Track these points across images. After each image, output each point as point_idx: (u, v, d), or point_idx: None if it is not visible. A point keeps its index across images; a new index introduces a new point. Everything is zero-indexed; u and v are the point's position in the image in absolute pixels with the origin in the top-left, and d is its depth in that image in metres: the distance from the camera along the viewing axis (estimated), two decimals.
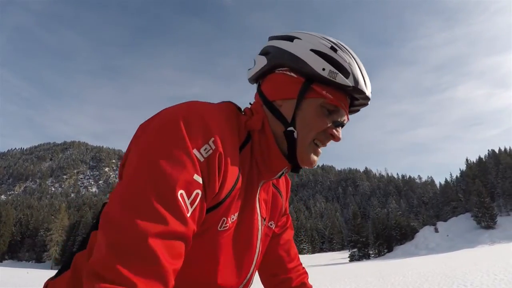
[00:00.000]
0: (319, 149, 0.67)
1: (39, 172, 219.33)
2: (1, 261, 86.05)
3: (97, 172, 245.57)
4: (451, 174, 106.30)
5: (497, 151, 78.39)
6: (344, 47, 0.67)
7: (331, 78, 0.63)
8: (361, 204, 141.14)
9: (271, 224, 0.77)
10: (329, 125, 0.65)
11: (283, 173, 0.69)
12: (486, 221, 58.86)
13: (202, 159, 0.51)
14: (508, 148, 77.89)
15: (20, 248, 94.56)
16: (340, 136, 0.67)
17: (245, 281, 0.68)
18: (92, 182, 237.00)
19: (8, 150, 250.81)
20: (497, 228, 57.98)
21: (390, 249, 61.85)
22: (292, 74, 0.66)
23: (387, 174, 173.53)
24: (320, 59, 0.64)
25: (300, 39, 0.67)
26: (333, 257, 69.59)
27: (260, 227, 0.69)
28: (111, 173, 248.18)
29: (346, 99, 0.67)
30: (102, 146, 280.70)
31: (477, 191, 61.88)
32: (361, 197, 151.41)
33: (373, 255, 62.81)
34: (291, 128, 0.64)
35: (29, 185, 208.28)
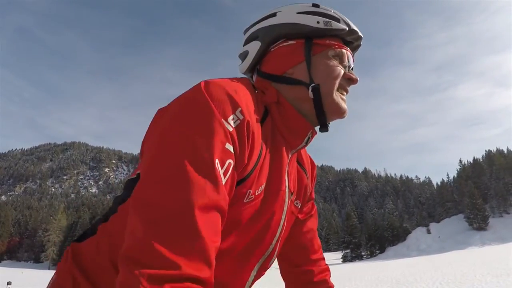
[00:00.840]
0: (344, 96, 0.68)
1: (39, 172, 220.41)
2: (0, 262, 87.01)
3: (97, 173, 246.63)
4: (448, 175, 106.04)
5: (495, 151, 78.45)
6: (319, 4, 0.70)
7: (328, 27, 0.66)
8: (358, 204, 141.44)
9: (297, 203, 0.75)
10: (343, 70, 0.68)
11: (309, 138, 0.69)
12: (478, 222, 59.11)
13: (231, 129, 0.50)
14: (506, 149, 77.88)
15: (19, 249, 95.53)
16: (357, 78, 0.69)
17: (267, 252, 0.66)
18: (92, 183, 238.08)
19: (8, 151, 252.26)
20: (488, 230, 58.21)
21: (382, 250, 62.22)
22: (290, 42, 0.68)
23: (386, 174, 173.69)
24: (311, 15, 0.67)
25: (280, 11, 0.70)
26: (328, 257, 69.48)
27: (286, 200, 0.67)
28: (111, 174, 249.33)
29: (343, 43, 0.70)
30: (102, 147, 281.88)
31: (469, 192, 62.11)
32: (359, 198, 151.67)
33: (365, 256, 63.17)
34: (314, 85, 0.64)
35: (29, 185, 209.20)
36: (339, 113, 0.67)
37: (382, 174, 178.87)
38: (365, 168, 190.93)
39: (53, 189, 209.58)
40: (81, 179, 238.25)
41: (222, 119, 0.49)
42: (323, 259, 0.85)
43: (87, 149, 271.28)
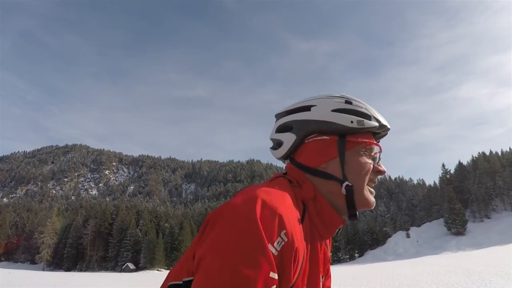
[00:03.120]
0: (373, 188, 0.72)
1: (41, 175, 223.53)
2: None
3: (98, 175, 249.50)
4: (440, 177, 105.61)
5: (494, 153, 78.18)
6: (352, 97, 0.74)
7: (361, 126, 0.70)
8: None
9: (322, 277, 0.78)
10: (373, 164, 0.71)
11: (340, 229, 0.73)
12: (456, 227, 59.62)
13: (276, 253, 0.54)
14: (509, 149, 77.17)
15: (16, 250, 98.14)
16: (385, 169, 0.73)
17: None
18: (93, 185, 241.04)
19: (11, 153, 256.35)
20: (466, 235, 58.80)
21: (361, 254, 63.09)
22: (324, 136, 0.71)
23: (384, 176, 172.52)
24: (344, 114, 0.70)
25: (315, 105, 0.73)
26: None
27: (321, 286, 0.72)
28: (111, 176, 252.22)
29: (372, 137, 0.74)
30: (103, 149, 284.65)
31: (448, 197, 62.63)
32: None
33: (343, 260, 64.06)
34: (347, 183, 0.68)
35: (30, 188, 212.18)
36: (368, 206, 0.71)
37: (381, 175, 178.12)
38: None
39: (54, 191, 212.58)
40: (82, 181, 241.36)
41: (269, 244, 0.53)
42: None
43: (88, 151, 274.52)
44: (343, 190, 0.68)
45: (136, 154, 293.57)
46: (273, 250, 0.54)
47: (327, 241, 0.83)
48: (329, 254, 0.85)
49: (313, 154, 0.72)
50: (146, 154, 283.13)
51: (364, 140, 0.71)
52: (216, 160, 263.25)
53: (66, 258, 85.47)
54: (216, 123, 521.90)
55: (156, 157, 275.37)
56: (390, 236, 64.64)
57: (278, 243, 0.55)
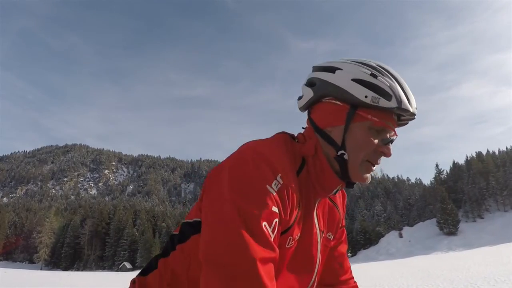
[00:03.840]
0: (372, 167, 0.74)
1: (41, 175, 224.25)
2: None
3: (97, 175, 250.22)
4: (434, 177, 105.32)
5: (494, 151, 78.51)
6: (384, 70, 0.73)
7: (375, 103, 0.69)
8: (349, 206, 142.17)
9: (329, 236, 0.85)
10: (378, 143, 0.72)
11: (337, 190, 0.77)
12: (448, 227, 59.96)
13: (274, 193, 0.62)
14: (497, 150, 77.47)
15: (15, 250, 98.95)
16: (391, 152, 0.73)
17: (309, 286, 0.79)
18: (92, 185, 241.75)
19: (11, 153, 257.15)
20: (458, 235, 59.16)
21: (354, 253, 63.52)
22: (338, 102, 0.73)
23: (383, 175, 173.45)
24: (362, 87, 0.70)
25: (341, 69, 0.74)
26: None
27: (319, 240, 0.79)
28: (110, 176, 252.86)
29: (393, 117, 0.73)
30: (103, 149, 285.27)
31: (440, 197, 62.95)
32: (350, 199, 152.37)
33: None
34: (341, 152, 0.72)
35: (30, 187, 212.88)
36: (360, 181, 0.74)
37: (379, 175, 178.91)
38: None
39: (53, 191, 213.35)
40: (81, 181, 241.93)
41: (267, 185, 0.62)
42: (352, 278, 0.96)
43: (87, 151, 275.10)
44: (336, 157, 0.72)
45: (136, 153, 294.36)
46: (272, 191, 0.62)
47: (338, 204, 0.89)
48: (340, 216, 0.89)
49: (324, 115, 0.75)
50: (146, 154, 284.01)
51: (374, 118, 0.70)
52: (216, 160, 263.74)
53: (64, 258, 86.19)
54: (216, 123, 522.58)
55: (155, 156, 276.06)
56: (383, 236, 65.04)
57: (275, 185, 0.63)
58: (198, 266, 0.61)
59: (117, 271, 77.75)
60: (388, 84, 0.71)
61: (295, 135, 0.81)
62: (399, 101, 0.70)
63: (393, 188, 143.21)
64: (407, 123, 0.77)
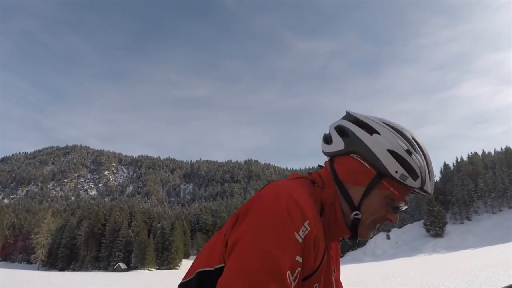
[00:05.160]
0: (376, 226, 0.79)
1: (41, 176, 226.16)
2: None
3: (97, 176, 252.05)
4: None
5: (490, 152, 78.50)
6: (418, 147, 0.74)
7: (402, 180, 0.71)
8: None
9: (334, 271, 0.87)
10: (389, 211, 0.75)
11: (343, 239, 0.83)
12: (434, 229, 60.54)
13: (300, 240, 0.63)
14: (493, 150, 77.68)
15: (13, 250, 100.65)
16: (397, 220, 0.78)
17: None
18: (92, 185, 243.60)
19: (12, 154, 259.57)
20: (444, 237, 59.71)
21: (342, 255, 64.06)
22: (366, 164, 0.73)
23: None
24: (395, 161, 0.71)
25: (379, 134, 0.74)
26: None
27: (333, 279, 0.82)
28: (110, 177, 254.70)
29: (410, 192, 0.76)
30: (103, 150, 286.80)
31: (427, 199, 63.54)
32: None
33: None
34: (356, 212, 0.74)
35: (31, 188, 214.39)
36: (364, 238, 0.79)
37: None
38: None
39: (54, 192, 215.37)
40: (82, 182, 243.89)
41: (295, 233, 0.63)
42: None
43: (88, 152, 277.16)
44: (351, 217, 0.75)
45: (137, 154, 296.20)
46: (298, 238, 0.63)
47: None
48: (340, 250, 0.95)
49: (348, 171, 0.75)
50: (146, 155, 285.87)
51: (395, 191, 0.73)
52: (215, 160, 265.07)
53: (60, 258, 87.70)
54: (217, 123, 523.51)
55: (155, 157, 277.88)
56: (371, 237, 65.75)
57: (302, 232, 0.63)
58: None
59: (112, 271, 79.13)
60: (419, 164, 0.72)
61: (311, 175, 0.81)
62: (423, 182, 0.72)
63: None
64: (414, 192, 0.79)
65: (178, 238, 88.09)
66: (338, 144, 0.77)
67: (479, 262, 19.24)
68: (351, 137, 0.76)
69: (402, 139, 0.73)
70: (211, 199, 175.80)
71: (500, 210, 64.92)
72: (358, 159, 0.75)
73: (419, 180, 0.72)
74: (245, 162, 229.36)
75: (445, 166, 78.63)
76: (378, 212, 0.75)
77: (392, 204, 0.75)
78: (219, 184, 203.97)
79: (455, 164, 77.86)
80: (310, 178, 0.79)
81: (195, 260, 0.75)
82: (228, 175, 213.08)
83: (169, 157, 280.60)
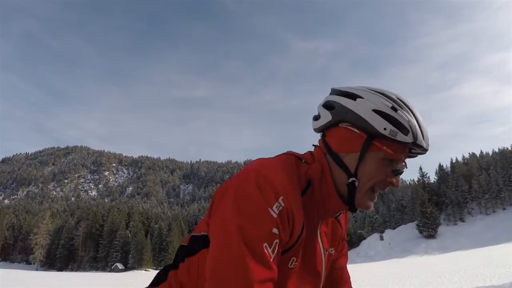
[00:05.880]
0: (375, 194, 0.76)
1: (42, 176, 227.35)
2: None
3: (97, 176, 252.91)
4: (428, 177, 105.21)
5: (488, 152, 78.61)
6: (403, 104, 0.75)
7: (392, 136, 0.71)
8: None
9: (331, 251, 0.88)
10: (388, 174, 0.74)
11: (340, 213, 0.84)
12: (427, 230, 60.77)
13: (275, 215, 0.65)
14: (491, 151, 77.71)
15: (13, 251, 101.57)
16: (399, 183, 0.76)
17: None
18: (92, 186, 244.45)
19: (13, 155, 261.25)
20: (437, 238, 59.93)
21: None
22: (355, 129, 0.74)
23: None
24: (382, 119, 0.72)
25: (362, 98, 0.75)
26: None
27: (323, 258, 0.82)
28: (110, 177, 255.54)
29: (406, 150, 0.75)
30: (103, 150, 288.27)
31: (420, 200, 63.83)
32: None
33: None
34: (353, 179, 0.73)
35: (31, 189, 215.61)
36: (363, 207, 0.77)
37: None
38: None
39: (54, 193, 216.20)
40: (82, 182, 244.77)
41: (268, 208, 0.65)
42: None
43: (88, 152, 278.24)
44: (346, 183, 0.74)
45: (137, 154, 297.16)
46: (272, 213, 0.65)
47: (341, 220, 0.94)
48: (342, 231, 0.94)
49: (339, 140, 0.76)
50: (146, 155, 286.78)
51: (388, 150, 0.73)
52: (215, 161, 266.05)
53: (59, 259, 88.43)
54: (217, 123, 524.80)
55: (155, 158, 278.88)
56: (364, 238, 66.09)
57: (276, 207, 0.65)
58: (205, 280, 0.64)
59: (109, 271, 79.78)
60: (407, 119, 0.72)
61: (303, 154, 0.81)
62: (415, 136, 0.73)
63: (388, 189, 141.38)
64: (417, 156, 0.80)
65: (175, 238, 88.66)
66: (326, 117, 0.79)
67: (459, 264, 19.54)
68: (336, 107, 0.77)
69: (387, 98, 0.75)
70: (210, 200, 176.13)
71: (494, 212, 65.10)
72: (347, 126, 0.76)
73: (410, 134, 0.72)
74: (245, 162, 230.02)
75: (440, 167, 78.70)
76: (377, 176, 0.73)
77: (391, 166, 0.74)
78: (219, 184, 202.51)
79: (450, 165, 78.13)
80: (297, 155, 0.80)
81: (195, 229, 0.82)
82: (227, 176, 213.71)
83: (169, 157, 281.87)
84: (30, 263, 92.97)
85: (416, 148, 0.75)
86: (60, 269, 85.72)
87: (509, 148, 71.91)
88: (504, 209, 64.21)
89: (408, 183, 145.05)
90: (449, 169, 76.98)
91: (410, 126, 0.73)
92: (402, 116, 0.73)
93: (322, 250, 0.81)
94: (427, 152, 0.79)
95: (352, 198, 0.75)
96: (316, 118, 0.83)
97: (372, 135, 0.73)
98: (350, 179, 0.74)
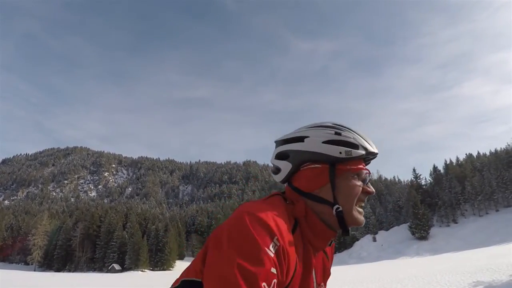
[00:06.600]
0: (362, 208, 0.83)
1: (41, 177, 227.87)
2: None
3: (97, 177, 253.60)
4: (425, 178, 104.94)
5: (485, 153, 78.62)
6: (342, 127, 0.84)
7: (348, 156, 0.80)
8: None
9: (321, 286, 0.90)
10: (361, 186, 0.81)
11: (332, 241, 0.87)
12: (419, 232, 61.11)
13: (272, 255, 0.66)
14: (488, 151, 77.78)
15: (11, 251, 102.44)
16: (373, 190, 0.83)
17: None
18: (92, 187, 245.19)
19: (14, 156, 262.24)
20: (429, 240, 60.26)
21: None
22: (317, 165, 0.81)
23: (379, 176, 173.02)
24: (334, 146, 0.80)
25: (308, 136, 0.83)
26: None
27: None
28: (110, 178, 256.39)
29: (362, 161, 0.84)
30: (103, 151, 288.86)
31: (413, 201, 64.19)
32: None
33: None
34: (337, 207, 0.78)
35: (31, 190, 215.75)
36: (357, 224, 0.82)
37: (375, 176, 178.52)
38: None
39: (54, 194, 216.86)
40: (81, 183, 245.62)
41: (266, 248, 0.66)
42: None
43: (88, 153, 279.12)
44: (334, 213, 0.79)
45: (136, 155, 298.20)
46: (270, 252, 0.66)
47: (328, 254, 0.96)
48: (329, 265, 0.96)
49: (307, 180, 0.82)
50: (145, 156, 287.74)
51: (352, 167, 0.80)
52: (214, 161, 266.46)
53: (56, 259, 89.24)
54: (216, 124, 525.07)
55: (154, 159, 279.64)
56: (358, 240, 66.46)
57: (273, 247, 0.67)
58: None
59: (106, 272, 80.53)
60: (352, 137, 0.82)
61: (284, 193, 0.86)
62: (365, 147, 0.83)
63: (385, 190, 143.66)
64: (370, 162, 0.88)
65: (172, 239, 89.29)
66: (286, 167, 0.84)
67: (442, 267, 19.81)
68: (291, 155, 0.83)
69: (326, 127, 0.83)
70: (209, 200, 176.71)
71: (487, 213, 65.39)
72: (309, 166, 0.81)
73: (360, 147, 0.81)
74: (244, 163, 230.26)
75: (434, 168, 79.09)
76: (354, 192, 0.79)
77: (360, 179, 0.81)
78: (218, 185, 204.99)
79: (443, 167, 78.41)
80: (283, 196, 0.84)
81: (184, 270, 0.80)
82: (226, 176, 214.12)
83: (168, 158, 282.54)
84: (28, 264, 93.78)
85: (370, 156, 0.84)
86: (58, 269, 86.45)
87: (504, 149, 72.18)
88: (497, 210, 64.50)
89: (404, 183, 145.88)
90: (441, 171, 77.48)
91: (357, 141, 0.82)
92: (347, 136, 0.82)
93: (315, 285, 0.84)
94: (378, 154, 0.87)
95: (344, 223, 0.79)
96: (276, 172, 0.88)
97: (333, 162, 0.80)
98: (336, 208, 0.78)
